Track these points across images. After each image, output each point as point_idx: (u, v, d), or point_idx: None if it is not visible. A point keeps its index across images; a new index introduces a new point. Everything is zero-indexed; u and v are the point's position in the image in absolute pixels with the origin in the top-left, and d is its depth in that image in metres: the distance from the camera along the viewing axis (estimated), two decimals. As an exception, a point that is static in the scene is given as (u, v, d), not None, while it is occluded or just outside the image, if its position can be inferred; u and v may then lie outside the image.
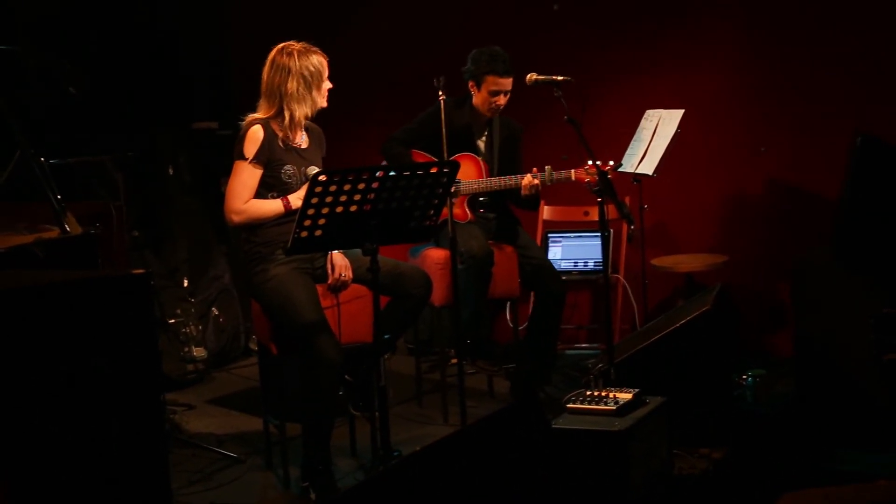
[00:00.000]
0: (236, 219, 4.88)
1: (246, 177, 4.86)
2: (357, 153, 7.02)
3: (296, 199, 4.82)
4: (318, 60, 4.93)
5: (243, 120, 4.97)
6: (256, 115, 4.95)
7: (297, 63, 4.88)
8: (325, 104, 4.99)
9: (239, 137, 4.92)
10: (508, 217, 6.22)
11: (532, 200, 6.06)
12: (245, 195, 4.86)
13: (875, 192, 5.29)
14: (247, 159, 4.84)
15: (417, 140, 6.08)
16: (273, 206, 4.87)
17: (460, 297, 5.59)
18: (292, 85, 4.88)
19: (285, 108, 4.90)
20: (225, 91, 7.96)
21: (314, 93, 4.93)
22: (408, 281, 5.00)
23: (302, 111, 4.92)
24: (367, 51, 7.53)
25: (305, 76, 4.89)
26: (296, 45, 4.93)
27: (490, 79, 5.93)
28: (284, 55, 4.90)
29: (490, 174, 6.04)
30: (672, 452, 4.75)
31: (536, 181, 5.85)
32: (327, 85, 4.98)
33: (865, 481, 4.49)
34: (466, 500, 3.43)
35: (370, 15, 7.61)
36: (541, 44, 7.15)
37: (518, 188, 5.88)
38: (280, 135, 4.92)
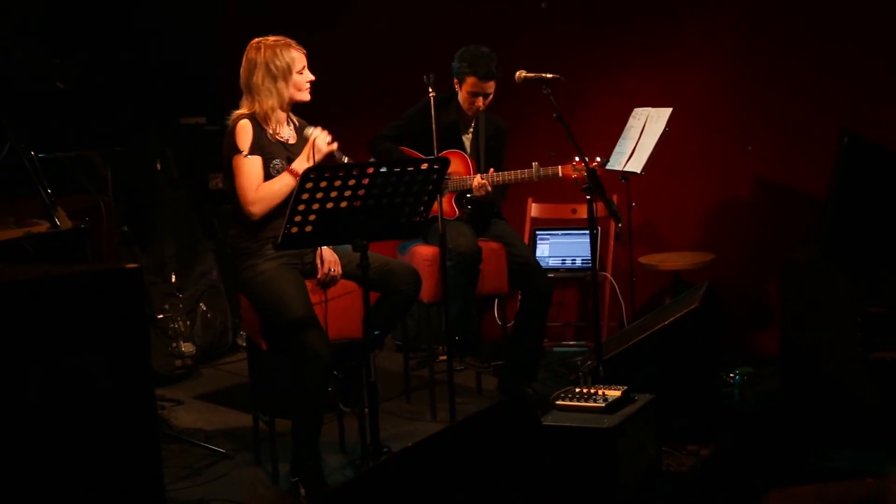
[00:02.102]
0: (255, 209, 4.82)
1: (248, 168, 4.84)
2: (345, 149, 7.02)
3: (300, 164, 4.82)
4: (286, 52, 4.92)
5: (229, 117, 4.98)
6: (241, 112, 4.95)
7: (262, 55, 4.91)
8: (301, 97, 4.97)
9: (228, 134, 4.91)
10: (495, 214, 6.23)
11: (488, 203, 6.07)
12: (254, 184, 4.83)
13: (861, 191, 5.31)
14: (243, 153, 4.84)
15: (405, 136, 6.09)
16: (283, 181, 4.83)
17: (449, 294, 5.60)
18: (258, 77, 4.91)
19: (256, 101, 4.93)
20: (212, 86, 7.96)
21: (280, 84, 4.91)
22: (397, 277, 5.01)
23: (268, 103, 4.92)
24: (357, 48, 7.53)
25: (270, 68, 4.90)
26: (268, 40, 4.96)
27: (470, 80, 5.94)
28: (253, 49, 4.95)
29: (477, 171, 6.05)
30: (660, 449, 4.77)
31: (485, 181, 5.87)
32: (304, 77, 4.97)
33: (852, 479, 4.52)
34: (456, 497, 3.44)
35: (359, 12, 7.61)
36: (529, 42, 7.16)
37: (502, 186, 5.94)
38: (267, 129, 4.93)
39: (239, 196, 4.86)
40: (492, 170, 5.94)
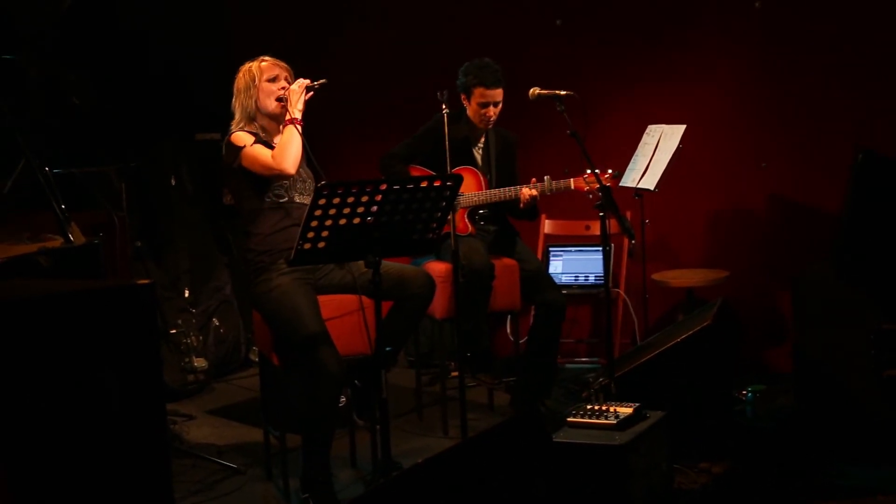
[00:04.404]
0: (285, 166, 4.82)
1: (258, 151, 4.88)
2: (356, 168, 7.04)
3: (295, 112, 4.89)
4: (253, 68, 5.06)
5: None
6: (232, 129, 5.04)
7: (237, 79, 5.09)
8: (268, 105, 5.01)
9: (226, 146, 4.99)
10: (508, 229, 6.23)
11: (530, 212, 6.09)
12: (268, 153, 4.86)
13: (876, 208, 5.30)
14: (247, 145, 4.90)
15: (416, 154, 6.10)
16: (287, 134, 4.87)
17: (461, 310, 5.60)
18: (233, 100, 5.10)
19: (235, 120, 5.08)
20: (227, 102, 7.97)
21: (242, 97, 5.05)
22: (410, 282, 5.00)
23: (238, 117, 5.05)
24: (368, 65, 7.54)
25: (239, 88, 5.08)
26: (244, 66, 5.11)
27: (478, 91, 5.96)
28: None
29: (489, 186, 6.06)
30: (672, 467, 4.76)
31: (535, 192, 5.88)
32: (274, 85, 5.01)
33: (864, 496, 4.51)
34: (467, 513, 3.44)
35: (371, 30, 7.63)
36: (544, 58, 7.17)
37: (517, 199, 5.92)
38: (262, 136, 4.97)
39: (267, 175, 4.90)
40: (534, 179, 5.92)
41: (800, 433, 5.40)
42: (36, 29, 6.72)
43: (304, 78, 4.98)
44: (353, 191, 4.21)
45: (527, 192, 5.90)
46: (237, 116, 5.05)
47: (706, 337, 5.11)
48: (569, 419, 4.53)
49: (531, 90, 5.39)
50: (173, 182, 7.38)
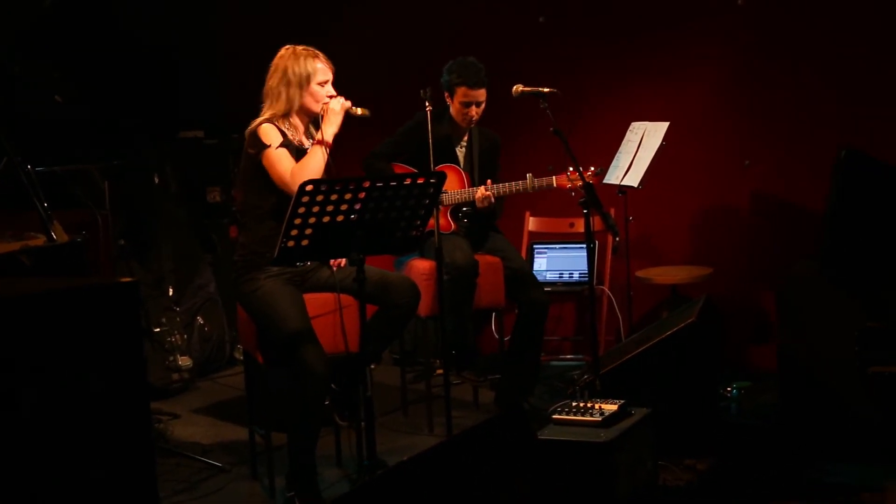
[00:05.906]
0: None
1: (281, 158, 4.79)
2: (339, 166, 7.01)
3: (326, 132, 4.83)
4: (309, 61, 4.92)
5: (241, 131, 4.98)
6: (260, 118, 4.94)
7: (284, 61, 4.94)
8: (315, 108, 4.93)
9: (250, 136, 4.88)
10: (492, 227, 6.23)
11: (489, 214, 6.08)
12: (289, 171, 4.78)
13: (859, 206, 5.31)
14: (272, 146, 4.80)
15: (399, 153, 6.11)
16: (314, 155, 4.81)
17: (445, 308, 5.59)
18: (273, 81, 4.94)
19: (269, 106, 4.95)
20: (212, 100, 7.96)
21: (293, 90, 4.90)
22: (395, 290, 4.99)
23: (278, 107, 4.92)
24: (352, 63, 7.50)
25: (287, 73, 4.91)
26: (297, 47, 4.98)
27: (461, 90, 5.96)
28: (279, 55, 4.98)
29: (471, 184, 6.06)
30: (657, 463, 4.76)
31: (489, 193, 5.89)
32: (324, 90, 4.94)
33: (849, 493, 4.52)
34: (452, 511, 3.44)
35: (357, 28, 7.61)
36: (527, 56, 7.17)
37: (499, 198, 5.95)
38: (287, 134, 4.92)
39: (280, 186, 4.81)
40: (489, 181, 5.95)
41: (784, 430, 5.41)
42: (18, 25, 6.69)
43: (347, 100, 4.92)
44: (337, 188, 4.20)
45: (481, 193, 5.92)
46: (280, 106, 4.91)
47: (690, 334, 5.12)
48: (553, 416, 4.52)
49: (514, 87, 5.39)
50: (157, 180, 7.37)
